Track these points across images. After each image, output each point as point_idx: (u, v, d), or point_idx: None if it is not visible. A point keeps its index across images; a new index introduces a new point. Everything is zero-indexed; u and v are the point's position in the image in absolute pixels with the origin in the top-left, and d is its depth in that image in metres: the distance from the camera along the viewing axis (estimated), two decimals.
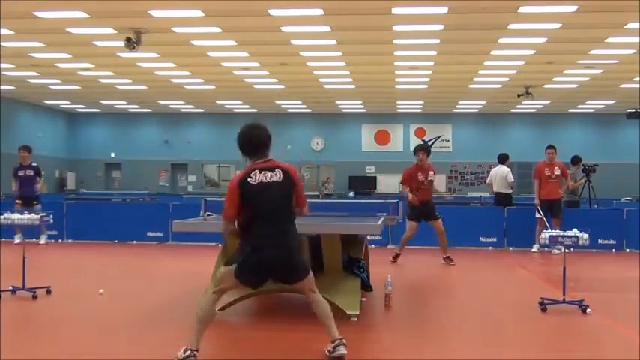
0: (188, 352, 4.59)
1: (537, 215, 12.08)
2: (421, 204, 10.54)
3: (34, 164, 13.40)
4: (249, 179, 4.70)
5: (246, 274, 4.70)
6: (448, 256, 10.63)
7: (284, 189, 4.74)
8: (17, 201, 12.71)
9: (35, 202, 12.82)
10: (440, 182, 31.34)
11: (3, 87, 24.23)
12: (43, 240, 13.16)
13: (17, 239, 12.74)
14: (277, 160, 4.87)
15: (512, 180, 13.71)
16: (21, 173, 13.25)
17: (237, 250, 4.80)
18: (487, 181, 14.70)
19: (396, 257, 10.68)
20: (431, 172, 10.72)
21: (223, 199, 4.85)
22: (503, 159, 13.87)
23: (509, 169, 13.77)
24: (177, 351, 4.68)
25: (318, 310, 4.91)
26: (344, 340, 4.83)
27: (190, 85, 24.29)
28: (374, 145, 31.59)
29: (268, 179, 4.71)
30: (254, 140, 4.82)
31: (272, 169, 4.75)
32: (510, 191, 13.81)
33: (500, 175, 13.70)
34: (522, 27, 15.24)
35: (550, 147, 12.66)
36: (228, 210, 4.74)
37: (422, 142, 11.98)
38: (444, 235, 10.61)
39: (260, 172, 4.72)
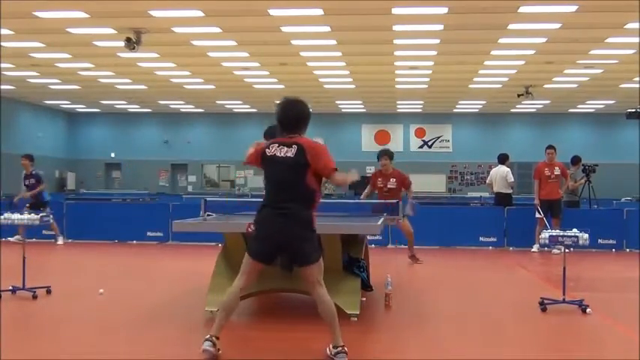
0: (207, 337, 4.75)
1: (537, 215, 12.09)
2: None
3: (34, 172, 13.35)
4: (267, 150, 4.90)
5: (255, 247, 4.82)
6: (413, 255, 10.63)
7: (295, 164, 4.76)
8: (27, 205, 12.73)
9: (42, 208, 12.79)
10: (440, 184, 31.37)
11: (3, 87, 24.23)
12: (60, 241, 13.24)
13: (14, 238, 12.76)
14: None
15: (513, 180, 13.71)
16: (26, 182, 13.33)
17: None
18: (487, 181, 14.71)
19: None
20: (392, 179, 10.30)
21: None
22: (503, 159, 13.88)
23: (509, 169, 13.77)
24: (176, 350, 4.68)
25: (322, 307, 4.79)
26: (346, 349, 4.76)
27: (190, 85, 24.29)
28: (374, 145, 31.50)
29: (282, 153, 4.81)
30: (284, 116, 4.94)
31: (290, 145, 4.82)
32: (510, 191, 13.82)
33: (501, 175, 13.71)
34: (522, 27, 15.24)
35: (550, 147, 12.67)
36: (249, 155, 5.11)
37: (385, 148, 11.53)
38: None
39: (278, 146, 4.85)
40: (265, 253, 4.82)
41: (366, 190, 10.72)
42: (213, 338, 4.74)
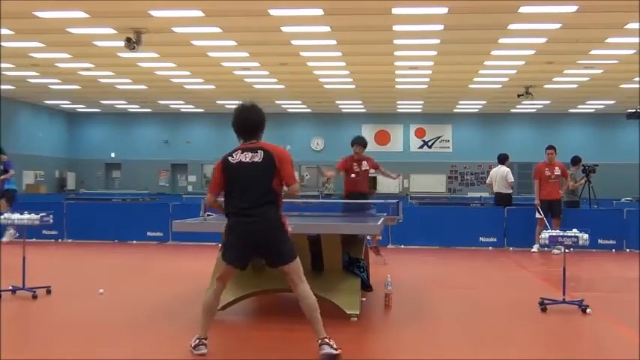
0: (197, 341, 4.88)
1: (537, 215, 12.09)
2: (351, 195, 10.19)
3: (6, 162, 13.49)
4: (230, 158, 4.91)
5: (229, 253, 4.89)
6: (377, 247, 10.56)
7: (263, 169, 4.83)
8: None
9: (6, 198, 12.82)
10: (440, 184, 31.36)
11: (3, 87, 24.23)
12: (6, 237, 12.75)
13: (6, 238, 12.72)
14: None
15: (512, 180, 13.71)
16: None
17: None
18: (487, 182, 14.71)
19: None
20: (364, 162, 10.63)
21: None
22: (503, 159, 13.88)
23: (509, 169, 13.77)
24: (176, 350, 4.68)
25: (303, 303, 4.88)
26: (327, 339, 4.79)
27: (190, 85, 24.29)
28: (374, 145, 31.51)
29: (248, 159, 4.86)
30: (243, 123, 5.01)
31: (255, 150, 4.90)
32: (510, 191, 13.82)
33: (501, 175, 13.71)
34: (522, 27, 15.24)
35: (550, 147, 12.67)
36: (211, 185, 5.04)
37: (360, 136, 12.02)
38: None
39: (242, 152, 4.90)
40: (239, 257, 4.92)
41: (332, 172, 11.04)
42: (204, 340, 4.91)
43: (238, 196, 4.83)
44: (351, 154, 10.65)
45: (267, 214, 4.82)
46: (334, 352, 4.70)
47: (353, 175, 10.42)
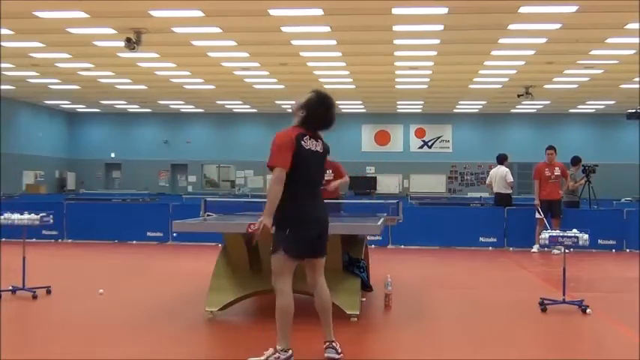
0: (290, 352, 4.64)
1: (537, 215, 12.09)
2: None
3: None
4: (302, 142, 4.63)
5: (298, 248, 4.59)
6: None
7: (322, 161, 4.83)
8: None
9: None
10: (440, 184, 31.35)
11: (3, 87, 24.24)
12: None
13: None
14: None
15: (512, 180, 13.71)
16: None
17: (275, 229, 4.59)
18: (487, 182, 14.71)
19: None
20: (328, 171, 9.43)
21: (273, 149, 4.60)
22: (502, 159, 13.89)
23: (508, 169, 13.78)
24: (176, 350, 4.65)
25: (319, 299, 4.82)
26: (334, 344, 4.80)
27: (190, 85, 24.29)
28: (374, 146, 31.61)
29: (315, 147, 4.71)
30: (329, 119, 4.76)
31: (317, 139, 4.77)
32: (510, 191, 13.82)
33: (500, 175, 13.71)
34: (522, 27, 15.24)
35: (550, 147, 12.67)
36: (283, 159, 4.53)
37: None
38: None
39: (310, 139, 4.70)
40: (309, 252, 4.73)
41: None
42: (291, 351, 4.67)
43: (310, 190, 4.70)
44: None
45: (327, 209, 4.85)
46: (337, 357, 4.74)
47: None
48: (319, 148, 4.74)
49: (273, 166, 4.55)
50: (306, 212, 4.62)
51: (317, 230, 4.68)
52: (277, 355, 4.60)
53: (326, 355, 4.75)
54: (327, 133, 4.85)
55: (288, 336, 4.63)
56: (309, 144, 4.66)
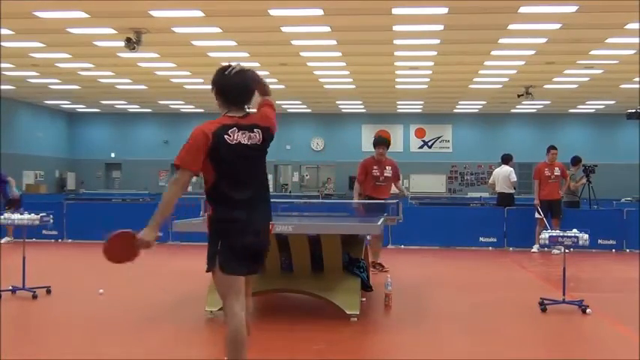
0: None
1: (537, 215, 12.10)
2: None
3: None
4: (226, 136, 3.80)
5: (233, 264, 3.80)
6: (379, 263, 9.60)
7: (259, 154, 3.94)
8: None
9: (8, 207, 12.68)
10: (441, 184, 31.38)
11: (3, 87, 24.23)
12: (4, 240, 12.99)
13: (4, 240, 12.76)
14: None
15: (515, 179, 13.72)
16: None
17: (209, 240, 3.94)
18: (490, 181, 14.71)
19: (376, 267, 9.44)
20: (388, 167, 9.51)
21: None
22: (506, 159, 13.88)
23: (512, 169, 13.78)
24: (176, 350, 4.67)
25: (240, 329, 3.81)
26: None
27: (190, 85, 24.29)
28: None
29: (247, 141, 3.85)
30: (241, 85, 3.94)
31: (251, 128, 3.87)
32: (513, 191, 13.82)
33: (503, 175, 13.71)
34: (522, 27, 15.23)
35: (553, 147, 12.64)
36: (190, 159, 3.78)
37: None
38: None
39: (238, 130, 3.83)
40: (244, 267, 3.93)
41: (356, 186, 9.59)
42: None
43: (242, 193, 3.86)
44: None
45: (269, 214, 4.05)
46: None
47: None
48: (255, 140, 3.87)
49: (177, 166, 3.83)
50: (237, 218, 3.81)
51: (254, 240, 3.85)
52: None
53: None
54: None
55: None
56: (237, 137, 3.82)
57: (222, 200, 3.86)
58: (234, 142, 3.81)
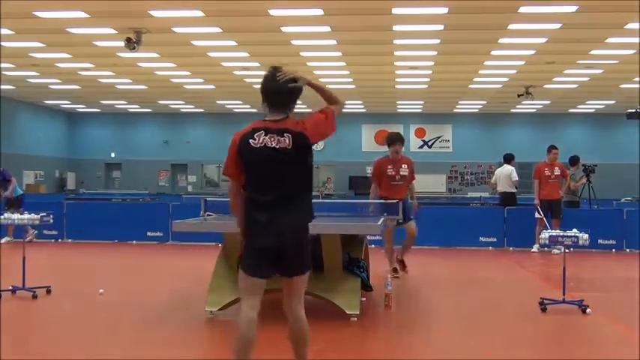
0: None
1: (537, 215, 12.09)
2: None
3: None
4: (250, 140, 3.92)
5: (252, 266, 3.90)
6: (402, 260, 9.32)
7: (293, 157, 3.91)
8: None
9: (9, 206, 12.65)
10: (441, 184, 31.38)
11: (3, 87, 24.22)
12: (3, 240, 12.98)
13: (4, 240, 12.77)
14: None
15: (517, 179, 13.72)
16: None
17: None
18: (492, 181, 14.70)
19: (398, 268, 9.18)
20: (404, 165, 9.01)
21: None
22: (508, 159, 13.89)
23: (513, 168, 13.78)
24: (176, 350, 4.66)
25: (290, 329, 4.09)
26: None
27: (190, 85, 24.28)
28: (374, 145, 31.55)
29: (275, 144, 3.90)
30: (273, 88, 4.11)
31: (281, 133, 3.91)
32: (515, 190, 13.83)
33: (505, 174, 13.72)
34: (522, 27, 15.23)
35: (554, 147, 12.60)
36: (226, 167, 4.04)
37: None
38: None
39: (266, 135, 3.92)
40: (262, 268, 4.00)
41: (373, 187, 9.21)
42: None
43: (264, 196, 3.91)
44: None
45: (302, 215, 4.01)
46: None
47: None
48: (284, 144, 3.89)
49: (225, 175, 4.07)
50: (258, 220, 3.87)
51: (272, 242, 3.84)
52: None
53: None
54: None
55: None
56: (262, 140, 3.90)
57: (247, 202, 3.97)
58: (259, 145, 3.90)
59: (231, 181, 4.05)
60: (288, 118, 4.05)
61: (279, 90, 4.07)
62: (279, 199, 3.91)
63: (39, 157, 30.05)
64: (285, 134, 3.93)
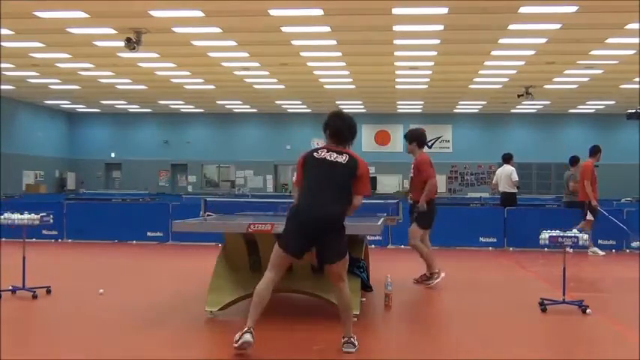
0: (244, 329, 4.85)
1: (590, 217, 11.80)
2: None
3: None
4: (315, 154, 5.14)
5: (286, 241, 4.96)
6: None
7: (344, 170, 5.03)
8: None
9: None
10: (441, 184, 31.40)
11: (3, 87, 24.23)
12: None
13: None
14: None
15: (517, 179, 13.71)
16: None
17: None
18: (493, 181, 14.69)
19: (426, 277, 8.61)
20: (413, 165, 8.86)
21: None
22: (507, 158, 13.88)
23: (514, 168, 13.78)
24: (176, 350, 4.66)
25: (339, 301, 5.15)
26: (352, 339, 5.00)
27: (190, 85, 24.29)
28: (374, 146, 31.57)
29: (331, 158, 5.06)
30: (333, 127, 5.24)
31: (340, 153, 5.10)
32: (515, 190, 13.82)
33: (506, 174, 13.71)
34: (522, 27, 15.24)
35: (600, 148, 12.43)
36: (296, 179, 5.21)
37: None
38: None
39: (327, 152, 5.11)
40: (298, 245, 5.03)
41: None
42: (251, 329, 4.87)
43: (312, 190, 5.00)
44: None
45: (335, 210, 4.99)
46: (353, 350, 5.00)
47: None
48: (340, 159, 5.06)
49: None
50: (297, 209, 5.02)
51: (303, 226, 4.93)
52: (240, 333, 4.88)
53: (343, 349, 4.97)
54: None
55: (253, 318, 4.92)
56: (323, 154, 5.10)
57: (297, 198, 5.10)
58: (320, 157, 5.10)
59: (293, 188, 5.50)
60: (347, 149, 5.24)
61: (339, 130, 5.26)
62: (324, 195, 5.07)
63: (39, 157, 30.05)
64: (344, 154, 5.11)
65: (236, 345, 4.82)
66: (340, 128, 5.21)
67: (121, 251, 12.62)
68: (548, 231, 6.90)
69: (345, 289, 5.08)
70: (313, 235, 4.94)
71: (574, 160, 14.08)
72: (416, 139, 8.74)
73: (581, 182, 12.21)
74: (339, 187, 5.01)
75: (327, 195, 4.97)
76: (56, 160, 31.70)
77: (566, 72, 20.74)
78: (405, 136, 8.89)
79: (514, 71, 20.83)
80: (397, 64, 19.74)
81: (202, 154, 32.28)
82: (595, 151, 12.40)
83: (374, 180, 30.99)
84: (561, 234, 6.72)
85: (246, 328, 4.84)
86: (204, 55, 18.65)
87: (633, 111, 20.81)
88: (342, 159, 5.04)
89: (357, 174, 5.05)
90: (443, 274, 8.39)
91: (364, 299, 6.70)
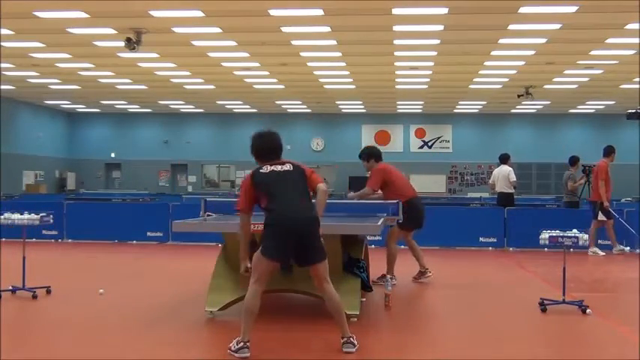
0: (241, 344, 4.90)
1: (602, 217, 11.78)
2: None
3: None
4: (260, 170, 5.20)
5: (272, 249, 4.98)
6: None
7: (295, 176, 5.21)
8: None
9: None
10: (441, 184, 31.39)
11: (3, 87, 24.23)
12: None
13: None
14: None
15: (515, 179, 13.70)
16: None
17: (263, 237, 5.11)
18: (490, 181, 14.69)
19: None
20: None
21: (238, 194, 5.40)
22: (504, 159, 13.88)
23: (511, 169, 13.78)
24: (176, 351, 4.66)
25: (329, 304, 5.13)
26: (352, 339, 5.01)
27: (190, 85, 24.29)
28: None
29: (279, 169, 5.20)
30: (267, 145, 5.33)
31: (282, 164, 5.26)
32: (513, 191, 13.82)
33: (503, 175, 13.70)
34: (522, 27, 15.24)
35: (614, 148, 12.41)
36: (240, 202, 5.19)
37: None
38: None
39: (271, 166, 5.22)
40: (282, 253, 5.05)
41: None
42: (247, 344, 4.93)
43: (281, 199, 5.05)
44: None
45: (310, 210, 5.11)
46: (353, 350, 5.03)
47: None
48: (288, 168, 5.22)
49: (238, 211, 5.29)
50: (277, 217, 5.02)
51: (290, 232, 4.97)
52: (236, 345, 4.93)
53: (343, 349, 5.01)
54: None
55: (247, 331, 4.98)
56: (269, 170, 5.18)
57: (266, 209, 5.13)
58: (268, 171, 5.17)
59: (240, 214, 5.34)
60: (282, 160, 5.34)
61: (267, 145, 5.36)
62: (294, 200, 5.15)
63: (39, 157, 30.06)
64: (287, 164, 5.25)
65: (234, 355, 4.88)
66: (266, 144, 5.33)
67: (121, 251, 12.62)
68: (548, 231, 6.89)
69: (331, 290, 5.12)
70: (298, 239, 4.99)
71: (573, 161, 14.09)
72: (373, 155, 8.66)
73: (595, 182, 12.23)
74: (301, 191, 5.17)
75: (298, 199, 5.10)
76: (56, 160, 31.70)
77: (566, 72, 20.75)
78: (360, 156, 8.75)
79: (514, 71, 20.83)
80: (397, 64, 19.74)
81: (202, 154, 32.29)
82: (609, 152, 12.44)
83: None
84: (561, 234, 6.71)
85: (242, 343, 4.90)
86: (204, 55, 18.66)
87: (633, 111, 20.75)
88: (288, 167, 5.22)
89: (307, 174, 5.25)
90: (394, 282, 8.16)
91: (364, 299, 6.70)
